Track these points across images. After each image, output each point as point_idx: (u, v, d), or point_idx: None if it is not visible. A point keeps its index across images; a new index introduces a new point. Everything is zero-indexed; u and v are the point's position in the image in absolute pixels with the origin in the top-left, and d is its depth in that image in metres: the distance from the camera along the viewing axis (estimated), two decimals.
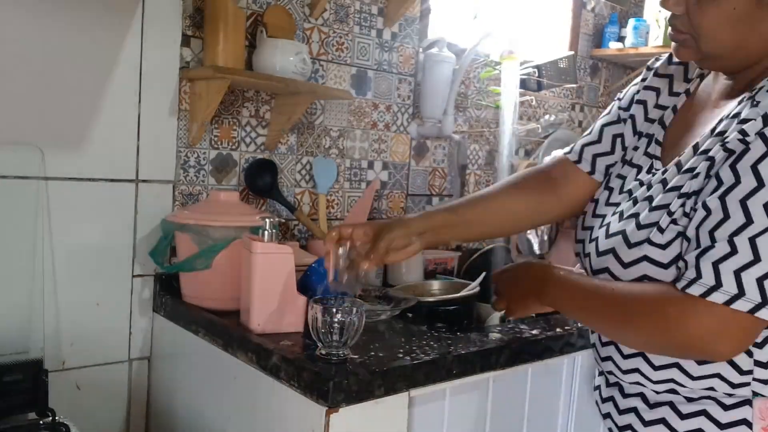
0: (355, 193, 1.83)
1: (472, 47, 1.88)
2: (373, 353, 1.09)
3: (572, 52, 2.20)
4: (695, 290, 0.81)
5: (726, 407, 0.91)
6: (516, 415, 1.27)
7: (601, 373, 1.10)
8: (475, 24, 2.06)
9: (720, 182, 0.82)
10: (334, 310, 1.03)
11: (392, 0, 1.82)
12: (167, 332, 1.42)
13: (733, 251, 0.79)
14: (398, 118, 1.92)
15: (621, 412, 1.02)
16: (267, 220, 1.21)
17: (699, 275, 0.81)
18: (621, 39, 2.46)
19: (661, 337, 0.86)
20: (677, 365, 0.92)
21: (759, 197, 0.79)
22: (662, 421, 0.96)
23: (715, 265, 0.80)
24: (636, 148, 1.04)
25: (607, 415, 1.07)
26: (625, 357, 0.98)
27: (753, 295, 0.78)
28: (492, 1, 2.15)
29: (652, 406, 0.98)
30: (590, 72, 2.53)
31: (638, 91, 1.07)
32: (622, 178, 1.03)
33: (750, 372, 0.88)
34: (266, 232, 1.20)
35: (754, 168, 0.80)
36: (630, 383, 0.99)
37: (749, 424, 0.89)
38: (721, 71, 0.96)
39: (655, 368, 0.94)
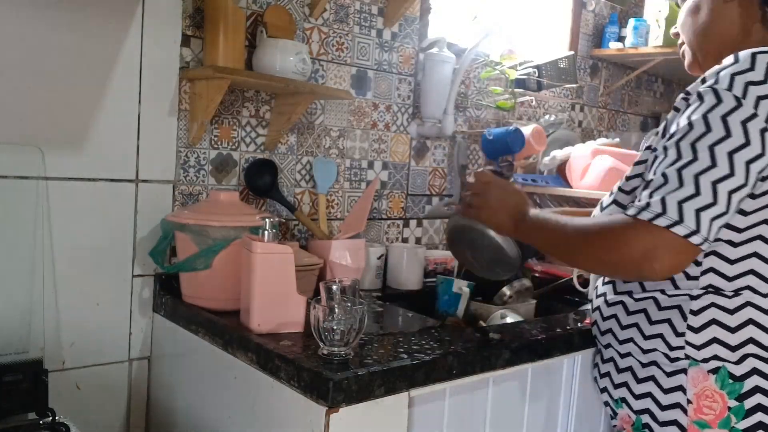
0: (355, 193, 1.83)
1: (472, 47, 1.88)
2: (373, 353, 1.10)
3: (572, 52, 2.20)
4: (639, 213, 0.96)
5: (668, 374, 1.08)
6: (516, 415, 1.27)
7: (598, 351, 1.26)
8: (475, 24, 2.06)
9: (665, 132, 1.04)
10: (336, 310, 1.03)
11: (392, 0, 1.82)
12: (167, 332, 1.42)
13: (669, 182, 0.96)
14: (398, 118, 1.92)
15: (616, 386, 1.19)
16: (267, 220, 1.21)
17: (647, 204, 0.96)
18: (621, 39, 2.46)
19: (611, 254, 0.99)
20: (661, 335, 1.07)
21: (689, 136, 0.97)
22: (649, 394, 1.11)
23: (666, 197, 0.96)
24: None
25: (603, 390, 1.23)
26: (623, 328, 1.15)
27: (672, 214, 0.94)
28: (492, 1, 2.15)
29: (641, 380, 1.13)
30: (590, 72, 2.53)
31: None
32: None
33: (683, 334, 1.04)
34: (266, 232, 1.20)
35: (688, 117, 0.99)
36: (624, 354, 1.16)
37: (684, 390, 1.05)
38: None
39: (645, 337, 1.10)
